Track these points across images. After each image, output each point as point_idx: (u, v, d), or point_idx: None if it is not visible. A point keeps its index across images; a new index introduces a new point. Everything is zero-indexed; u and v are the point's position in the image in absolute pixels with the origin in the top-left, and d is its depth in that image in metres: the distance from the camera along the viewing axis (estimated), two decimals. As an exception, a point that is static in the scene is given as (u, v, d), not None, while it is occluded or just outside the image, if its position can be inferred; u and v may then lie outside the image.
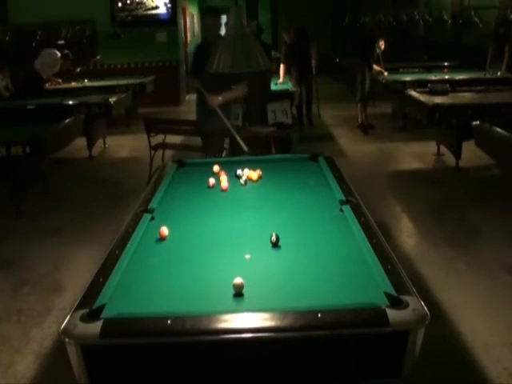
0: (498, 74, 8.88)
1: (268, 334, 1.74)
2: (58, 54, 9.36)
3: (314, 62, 9.02)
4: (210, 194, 3.30)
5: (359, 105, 8.77)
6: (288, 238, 2.49)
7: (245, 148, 4.50)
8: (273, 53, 10.43)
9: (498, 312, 3.40)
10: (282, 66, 8.83)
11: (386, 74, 9.30)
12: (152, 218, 2.84)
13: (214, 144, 4.95)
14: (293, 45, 8.88)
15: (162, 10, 11.52)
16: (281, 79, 8.76)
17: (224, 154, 5.05)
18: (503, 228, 4.68)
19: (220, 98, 4.63)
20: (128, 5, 11.42)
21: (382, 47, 9.36)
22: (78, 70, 10.04)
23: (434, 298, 3.52)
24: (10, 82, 9.28)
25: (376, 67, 9.13)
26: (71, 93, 8.75)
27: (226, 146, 6.20)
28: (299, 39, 8.89)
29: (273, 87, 7.83)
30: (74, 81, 10.00)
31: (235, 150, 4.92)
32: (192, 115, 5.87)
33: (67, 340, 1.75)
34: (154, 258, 2.40)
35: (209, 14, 4.93)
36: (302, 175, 3.65)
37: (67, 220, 5.16)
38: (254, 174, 3.52)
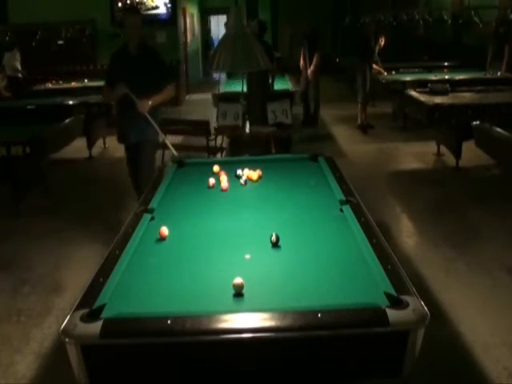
0: (498, 73, 8.88)
1: (268, 333, 1.74)
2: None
3: (309, 71, 9.08)
4: (209, 194, 3.30)
5: (359, 105, 8.77)
6: (288, 238, 2.49)
7: (175, 153, 4.49)
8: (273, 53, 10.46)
9: (498, 312, 3.40)
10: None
11: (385, 74, 9.31)
12: (152, 218, 2.84)
13: (145, 158, 4.56)
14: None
15: (162, 10, 11.53)
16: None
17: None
18: (503, 228, 4.68)
19: (150, 102, 4.30)
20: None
21: (382, 43, 9.36)
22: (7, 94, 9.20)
23: (434, 298, 3.52)
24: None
25: (375, 67, 9.14)
26: (71, 93, 8.75)
27: (225, 145, 6.22)
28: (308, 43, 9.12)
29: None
30: (74, 81, 10.01)
31: (235, 150, 4.90)
32: (192, 115, 5.86)
33: (67, 340, 1.75)
34: (154, 258, 2.40)
35: (130, 13, 4.65)
36: (302, 175, 3.65)
37: (67, 220, 5.16)
38: (254, 174, 3.52)
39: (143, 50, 4.42)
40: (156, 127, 4.42)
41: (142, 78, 4.27)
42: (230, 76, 9.25)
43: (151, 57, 4.46)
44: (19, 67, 9.72)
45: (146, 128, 4.38)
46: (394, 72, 9.61)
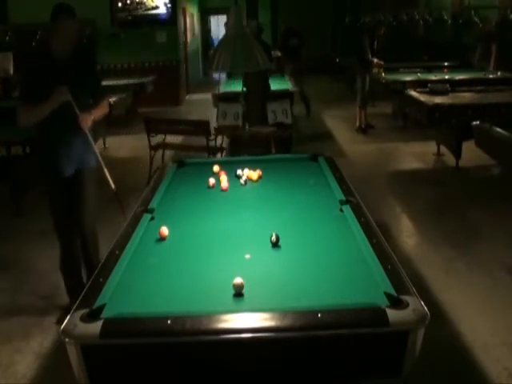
0: (498, 73, 8.89)
1: (268, 333, 1.74)
2: None
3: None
4: (210, 194, 3.30)
5: (358, 109, 8.79)
6: (288, 238, 2.49)
7: (112, 186, 3.64)
8: (272, 52, 10.45)
9: (498, 312, 3.40)
10: None
11: (383, 74, 9.29)
12: (152, 218, 2.84)
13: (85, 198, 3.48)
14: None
15: (162, 10, 11.52)
16: None
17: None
18: (503, 228, 4.68)
19: (92, 116, 3.36)
20: (128, 5, 11.42)
21: (382, 32, 9.35)
22: None
23: (434, 298, 3.52)
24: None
25: (376, 62, 9.10)
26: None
27: (225, 145, 6.22)
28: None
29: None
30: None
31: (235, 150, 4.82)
32: (192, 115, 5.84)
33: (67, 340, 1.75)
34: (154, 258, 2.40)
35: (64, 15, 3.22)
36: (302, 175, 3.65)
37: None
38: (254, 174, 3.52)
39: (76, 56, 3.34)
40: (96, 150, 3.56)
41: (75, 90, 3.21)
42: (230, 76, 9.26)
43: (85, 63, 3.47)
44: (11, 70, 9.70)
45: (86, 151, 3.44)
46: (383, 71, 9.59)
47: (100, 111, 3.49)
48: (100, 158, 3.56)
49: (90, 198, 3.49)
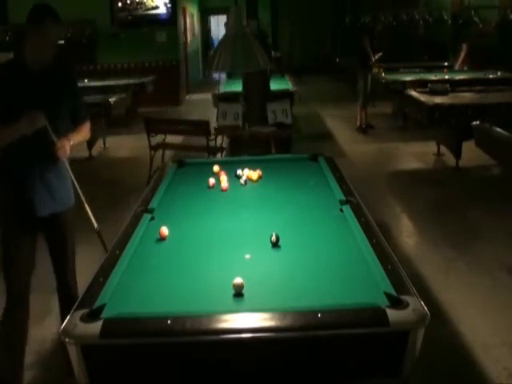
0: (498, 73, 8.89)
1: (268, 333, 1.74)
2: None
3: None
4: (210, 194, 3.30)
5: (359, 108, 8.80)
6: (288, 238, 2.49)
7: (95, 225, 2.99)
8: (273, 53, 10.46)
9: (498, 312, 3.40)
10: None
11: (383, 74, 9.30)
12: (152, 218, 2.84)
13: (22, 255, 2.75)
14: None
15: (162, 10, 11.53)
16: None
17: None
18: (503, 228, 4.68)
19: (72, 143, 2.73)
20: (128, 5, 11.43)
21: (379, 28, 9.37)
22: None
23: (434, 298, 3.52)
24: None
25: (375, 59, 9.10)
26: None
27: (225, 145, 6.22)
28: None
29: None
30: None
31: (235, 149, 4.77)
32: (192, 115, 5.83)
33: (67, 340, 1.75)
34: (154, 258, 2.40)
35: (50, 19, 2.55)
36: (302, 175, 3.65)
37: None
38: (254, 174, 3.52)
39: (55, 69, 2.70)
40: (75, 183, 2.90)
41: (52, 110, 2.62)
42: (230, 76, 9.26)
43: (66, 79, 2.80)
44: None
45: (64, 187, 2.80)
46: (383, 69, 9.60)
47: (80, 136, 2.88)
48: (81, 193, 2.92)
49: (73, 244, 2.89)
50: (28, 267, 2.78)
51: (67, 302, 2.64)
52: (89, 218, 2.96)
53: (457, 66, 9.55)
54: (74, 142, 2.75)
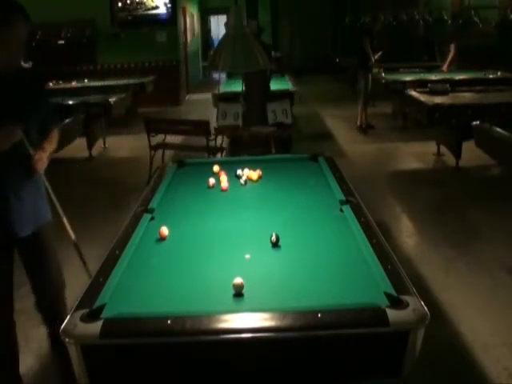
0: (498, 73, 8.89)
1: (268, 333, 1.74)
2: None
3: None
4: (210, 194, 3.30)
5: (360, 107, 8.80)
6: (288, 238, 2.49)
7: (72, 236, 2.85)
8: (273, 53, 10.45)
9: (498, 312, 3.40)
10: None
11: (383, 74, 9.31)
12: (152, 218, 2.84)
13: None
14: None
15: (162, 10, 11.53)
16: None
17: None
18: (503, 228, 4.68)
19: (47, 154, 2.54)
20: (128, 5, 11.42)
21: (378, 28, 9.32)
22: None
23: (434, 298, 3.52)
24: None
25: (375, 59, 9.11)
26: (71, 93, 8.76)
27: (224, 145, 6.22)
28: None
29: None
30: (74, 81, 10.03)
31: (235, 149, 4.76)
32: (192, 115, 5.82)
33: (67, 340, 1.75)
34: (154, 258, 2.40)
35: (21, 17, 2.30)
36: (302, 175, 3.65)
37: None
38: (254, 174, 3.52)
39: (23, 77, 2.53)
40: (52, 195, 2.69)
41: (25, 120, 2.40)
42: (230, 76, 9.26)
43: (36, 86, 2.60)
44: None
45: (42, 201, 2.62)
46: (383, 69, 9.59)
47: (52, 146, 2.62)
48: (58, 205, 2.73)
49: (55, 256, 2.74)
50: (8, 290, 2.67)
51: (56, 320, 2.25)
52: (66, 230, 2.82)
53: (444, 67, 9.39)
54: (50, 154, 2.57)
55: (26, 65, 9.18)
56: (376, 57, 8.77)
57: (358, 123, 8.85)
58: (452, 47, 9.24)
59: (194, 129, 6.36)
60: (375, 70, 9.11)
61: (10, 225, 2.45)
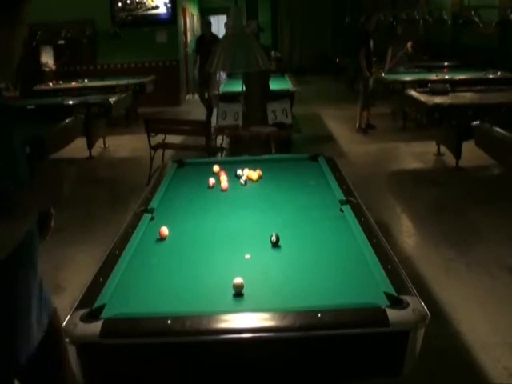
0: (498, 73, 8.89)
1: (268, 333, 1.74)
2: None
3: None
4: (210, 194, 3.30)
5: (359, 109, 8.80)
6: (288, 238, 2.49)
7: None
8: (273, 53, 10.45)
9: (497, 312, 3.40)
10: None
11: (383, 74, 9.32)
12: (152, 218, 2.84)
13: None
14: None
15: (162, 10, 11.53)
16: None
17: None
18: (503, 228, 4.68)
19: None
20: (128, 5, 11.43)
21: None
22: None
23: (433, 298, 3.52)
24: (11, 83, 9.34)
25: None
26: (71, 93, 8.76)
27: (224, 145, 6.22)
28: None
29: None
30: (73, 81, 10.03)
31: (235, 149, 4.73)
32: (192, 115, 5.82)
33: (67, 340, 1.75)
34: (154, 258, 2.40)
35: (21, 3, 1.46)
36: (302, 175, 3.65)
37: (67, 220, 5.15)
38: (254, 174, 3.51)
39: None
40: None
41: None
42: (230, 76, 9.26)
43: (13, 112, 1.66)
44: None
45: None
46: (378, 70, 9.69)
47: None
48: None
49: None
50: None
51: None
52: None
53: (387, 67, 9.81)
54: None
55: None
56: (372, 71, 8.81)
57: (357, 125, 8.85)
58: (389, 52, 9.79)
59: (193, 129, 6.36)
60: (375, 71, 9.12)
61: (28, 333, 1.60)
